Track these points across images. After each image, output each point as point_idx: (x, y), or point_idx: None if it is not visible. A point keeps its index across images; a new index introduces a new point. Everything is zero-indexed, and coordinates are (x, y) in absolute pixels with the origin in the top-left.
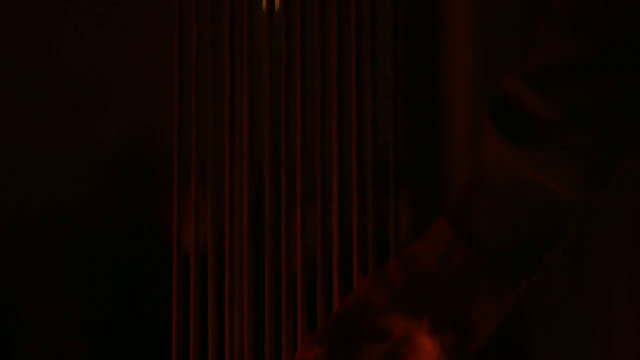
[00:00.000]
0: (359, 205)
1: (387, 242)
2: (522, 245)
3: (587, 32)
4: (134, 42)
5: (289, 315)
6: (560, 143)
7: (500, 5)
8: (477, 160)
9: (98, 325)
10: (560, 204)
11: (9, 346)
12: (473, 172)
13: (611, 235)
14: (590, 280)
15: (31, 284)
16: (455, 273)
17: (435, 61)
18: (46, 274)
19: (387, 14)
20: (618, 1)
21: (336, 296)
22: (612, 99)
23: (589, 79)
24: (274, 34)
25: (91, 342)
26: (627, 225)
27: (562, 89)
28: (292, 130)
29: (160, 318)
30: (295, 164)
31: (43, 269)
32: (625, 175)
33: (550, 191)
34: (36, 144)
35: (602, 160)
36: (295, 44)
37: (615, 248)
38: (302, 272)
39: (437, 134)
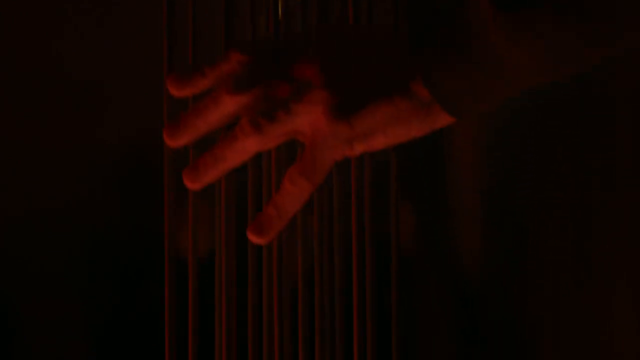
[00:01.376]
0: (359, 209)
1: (387, 247)
2: (460, 91)
3: None
4: (135, 43)
5: (287, 318)
6: (536, 22)
7: None
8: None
9: (98, 326)
10: (511, 77)
11: (10, 346)
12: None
13: (612, 235)
14: (591, 280)
15: (32, 285)
16: (392, 70)
17: None
18: (46, 274)
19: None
20: None
21: (339, 303)
22: (599, 4)
23: None
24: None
25: (91, 342)
26: (628, 225)
27: None
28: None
29: (159, 319)
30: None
31: (43, 269)
32: (626, 174)
33: (506, 59)
34: (36, 145)
35: (567, 53)
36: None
37: (616, 248)
38: (302, 277)
39: (438, 134)
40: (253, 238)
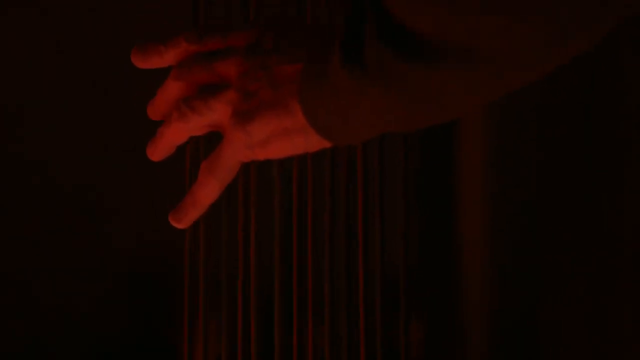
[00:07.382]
0: (368, 323)
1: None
2: (332, 122)
3: None
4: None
5: None
6: (385, 71)
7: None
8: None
9: None
10: (387, 114)
11: None
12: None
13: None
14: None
15: None
16: (284, 88)
17: (448, 180)
18: None
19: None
20: None
21: None
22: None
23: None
24: None
25: None
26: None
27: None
28: (303, 246)
29: None
30: (306, 280)
31: None
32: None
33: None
34: (37, 257)
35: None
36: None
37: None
38: None
39: (448, 249)
40: (172, 222)
